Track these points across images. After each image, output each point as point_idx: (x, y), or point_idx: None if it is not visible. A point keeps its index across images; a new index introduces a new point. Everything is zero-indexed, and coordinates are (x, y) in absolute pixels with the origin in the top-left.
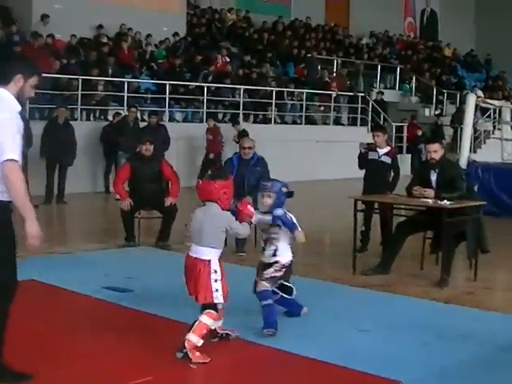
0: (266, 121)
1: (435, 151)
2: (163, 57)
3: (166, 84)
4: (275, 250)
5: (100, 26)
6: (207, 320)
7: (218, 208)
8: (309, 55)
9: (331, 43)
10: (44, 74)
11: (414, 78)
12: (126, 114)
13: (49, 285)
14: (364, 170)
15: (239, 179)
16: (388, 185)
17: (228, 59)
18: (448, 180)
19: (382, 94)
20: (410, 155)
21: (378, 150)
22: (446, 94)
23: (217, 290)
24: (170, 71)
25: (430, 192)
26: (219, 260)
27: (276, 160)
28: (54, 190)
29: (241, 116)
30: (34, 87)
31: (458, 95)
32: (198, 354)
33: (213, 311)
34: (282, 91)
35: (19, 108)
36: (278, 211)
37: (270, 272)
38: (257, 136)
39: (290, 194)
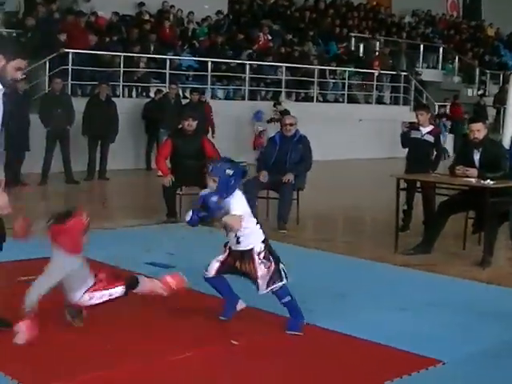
0: (308, 99)
1: (478, 130)
2: (205, 34)
3: (207, 61)
4: (237, 238)
5: (141, 4)
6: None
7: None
8: (351, 34)
9: (373, 22)
10: (84, 51)
11: (456, 58)
12: (168, 91)
13: (91, 260)
14: (407, 149)
15: (281, 156)
16: (430, 164)
17: (270, 37)
18: (491, 159)
19: (420, 74)
20: (452, 135)
21: (421, 128)
22: (488, 75)
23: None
24: (212, 49)
25: (473, 171)
26: None
27: (318, 138)
28: (96, 167)
29: (283, 94)
30: (19, 69)
31: (501, 75)
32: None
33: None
34: (324, 69)
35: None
36: (204, 193)
37: (264, 274)
38: (299, 114)
39: (241, 174)
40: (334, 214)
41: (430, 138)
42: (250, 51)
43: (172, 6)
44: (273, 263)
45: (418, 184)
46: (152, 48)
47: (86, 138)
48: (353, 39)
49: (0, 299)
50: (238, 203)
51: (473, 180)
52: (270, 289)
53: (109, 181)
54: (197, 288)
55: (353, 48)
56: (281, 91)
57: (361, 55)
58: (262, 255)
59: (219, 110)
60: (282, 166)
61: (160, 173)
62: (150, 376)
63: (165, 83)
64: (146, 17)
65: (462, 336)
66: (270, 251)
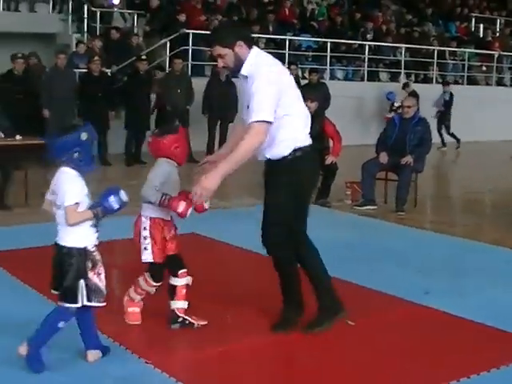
0: (427, 80)
1: None
2: (324, 15)
3: (326, 42)
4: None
5: None
6: (141, 282)
7: (166, 163)
8: (471, 14)
9: (494, 2)
10: (204, 31)
11: None
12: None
13: (209, 238)
14: None
15: (400, 138)
16: None
17: (389, 17)
18: None
19: None
20: None
21: None
22: None
23: (145, 249)
24: (331, 29)
25: None
26: (154, 218)
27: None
28: (216, 146)
29: (402, 75)
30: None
31: None
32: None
33: (147, 274)
34: (444, 50)
35: None
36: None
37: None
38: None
39: None
40: (453, 197)
41: None
42: (369, 32)
43: None
44: None
45: None
46: (271, 28)
47: (205, 117)
48: (473, 19)
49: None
50: None
51: None
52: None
53: None
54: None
55: (473, 28)
56: (400, 72)
57: (481, 36)
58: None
59: (338, 90)
60: (401, 147)
61: None
62: (270, 351)
63: (284, 63)
64: None
65: None
66: None
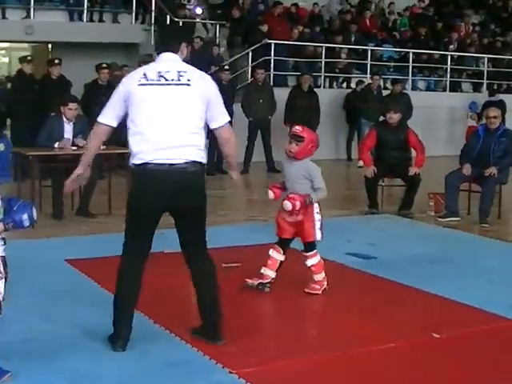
0: (510, 91)
1: None
2: (405, 25)
3: (408, 52)
4: None
5: None
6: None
7: None
8: None
9: None
10: (286, 42)
11: None
12: (370, 81)
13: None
14: None
15: (484, 149)
16: None
17: (472, 28)
18: None
19: None
20: None
21: None
22: None
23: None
24: (413, 39)
25: None
26: None
27: None
28: None
29: (484, 85)
30: None
31: None
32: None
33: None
34: None
35: None
36: None
37: None
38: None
39: None
40: None
41: None
42: (454, 42)
43: None
44: None
45: None
46: (353, 39)
47: (287, 127)
48: None
49: None
50: None
51: None
52: None
53: None
54: (400, 280)
55: None
56: (482, 82)
57: None
58: None
59: (420, 101)
60: (485, 159)
61: (361, 163)
62: (357, 363)
63: (366, 74)
64: (347, 7)
65: None
66: None
